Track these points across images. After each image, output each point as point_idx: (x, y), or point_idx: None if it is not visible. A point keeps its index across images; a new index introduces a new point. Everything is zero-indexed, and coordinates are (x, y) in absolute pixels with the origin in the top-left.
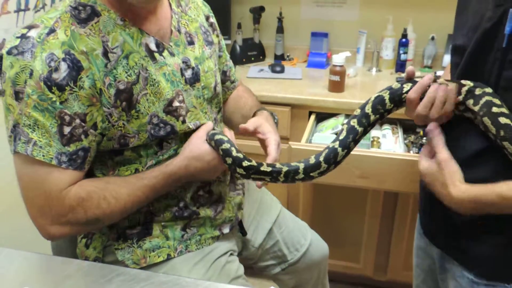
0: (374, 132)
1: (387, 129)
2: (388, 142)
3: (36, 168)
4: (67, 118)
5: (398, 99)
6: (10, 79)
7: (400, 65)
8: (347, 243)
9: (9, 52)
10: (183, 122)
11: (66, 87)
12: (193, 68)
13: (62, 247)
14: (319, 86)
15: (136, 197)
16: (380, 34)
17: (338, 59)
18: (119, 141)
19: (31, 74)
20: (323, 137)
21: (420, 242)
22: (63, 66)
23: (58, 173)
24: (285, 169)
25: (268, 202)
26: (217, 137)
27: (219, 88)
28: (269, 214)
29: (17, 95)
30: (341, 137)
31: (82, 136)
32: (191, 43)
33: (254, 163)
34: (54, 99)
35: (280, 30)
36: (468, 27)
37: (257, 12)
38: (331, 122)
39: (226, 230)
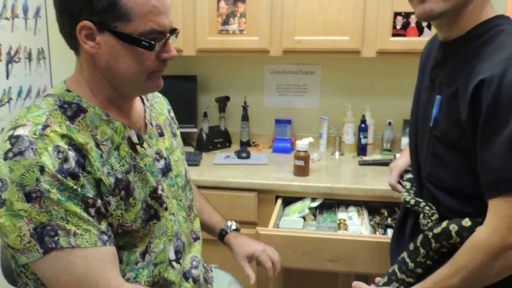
0: (340, 215)
1: (352, 211)
2: (355, 224)
3: (75, 260)
4: (90, 201)
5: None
6: (15, 184)
7: (361, 149)
8: None
9: (5, 158)
10: (166, 209)
11: (79, 174)
12: (165, 159)
13: None
14: (285, 170)
15: None
16: (341, 120)
17: (301, 144)
18: (117, 231)
19: (42, 170)
20: (291, 221)
21: None
22: (71, 155)
23: (99, 262)
24: None
25: None
26: None
27: (189, 176)
28: None
29: (30, 196)
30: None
31: (106, 213)
32: (161, 134)
33: None
34: (74, 187)
35: (245, 118)
36: (412, 111)
37: (223, 102)
38: (297, 205)
39: None
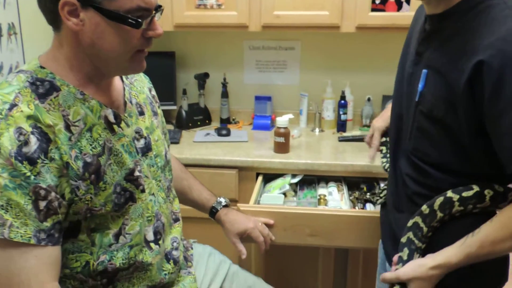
0: (321, 191)
1: (332, 187)
2: (334, 200)
3: (13, 254)
4: (42, 192)
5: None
6: None
7: (341, 125)
8: None
9: None
10: (142, 191)
11: (38, 160)
12: (145, 138)
13: None
14: (265, 147)
15: None
16: (321, 96)
17: (281, 121)
18: (85, 215)
19: None
20: (271, 197)
21: (382, 285)
22: (33, 139)
23: (35, 262)
24: None
25: (216, 262)
26: None
27: (169, 156)
28: (217, 274)
29: None
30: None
31: (58, 209)
32: (141, 113)
33: None
34: (28, 173)
35: (224, 94)
36: (397, 81)
37: (202, 78)
38: (278, 182)
39: None
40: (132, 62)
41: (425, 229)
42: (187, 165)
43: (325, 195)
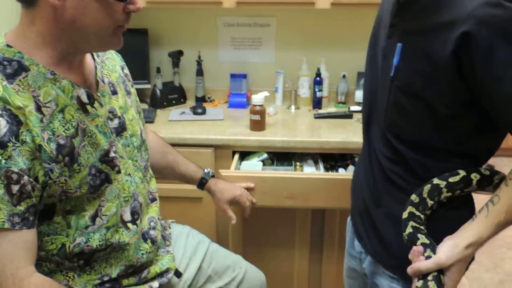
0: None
1: (309, 160)
2: (310, 167)
3: None
4: (14, 176)
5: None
6: None
7: (316, 102)
8: (280, 276)
9: None
10: (118, 172)
11: (9, 143)
12: (119, 118)
13: None
14: (241, 125)
15: None
16: (296, 73)
17: (257, 98)
18: (60, 198)
19: None
20: (250, 164)
21: (351, 263)
22: (2, 122)
23: (10, 246)
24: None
25: (194, 241)
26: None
27: (144, 135)
28: (195, 253)
29: None
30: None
31: (31, 193)
32: (114, 93)
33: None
34: None
35: (199, 73)
36: (368, 57)
37: (176, 56)
38: (254, 160)
39: (155, 284)
40: (113, 37)
41: (422, 216)
42: None
43: (301, 164)
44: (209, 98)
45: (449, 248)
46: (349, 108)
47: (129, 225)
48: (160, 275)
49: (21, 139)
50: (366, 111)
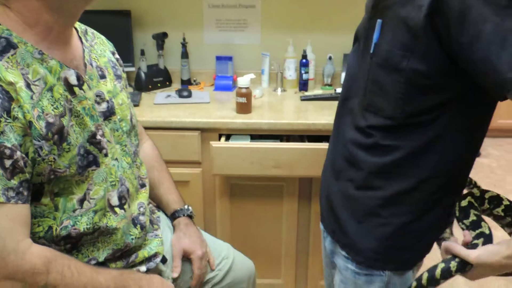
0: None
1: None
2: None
3: None
4: (7, 151)
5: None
6: None
7: (303, 84)
8: (268, 260)
9: None
10: (106, 155)
11: (1, 119)
12: (107, 102)
13: None
14: (227, 108)
15: (98, 282)
16: (282, 55)
17: (243, 81)
18: (49, 177)
19: None
20: (239, 137)
21: (325, 241)
22: None
23: (8, 220)
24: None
25: None
26: None
27: (135, 120)
28: None
29: None
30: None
31: (24, 168)
32: (102, 77)
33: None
34: None
35: (184, 55)
36: (353, 49)
37: (160, 38)
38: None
39: (142, 268)
40: None
41: (479, 208)
42: (147, 128)
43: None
44: (194, 81)
45: (489, 251)
46: (335, 90)
47: (117, 209)
48: (148, 259)
49: (13, 115)
50: (343, 94)
